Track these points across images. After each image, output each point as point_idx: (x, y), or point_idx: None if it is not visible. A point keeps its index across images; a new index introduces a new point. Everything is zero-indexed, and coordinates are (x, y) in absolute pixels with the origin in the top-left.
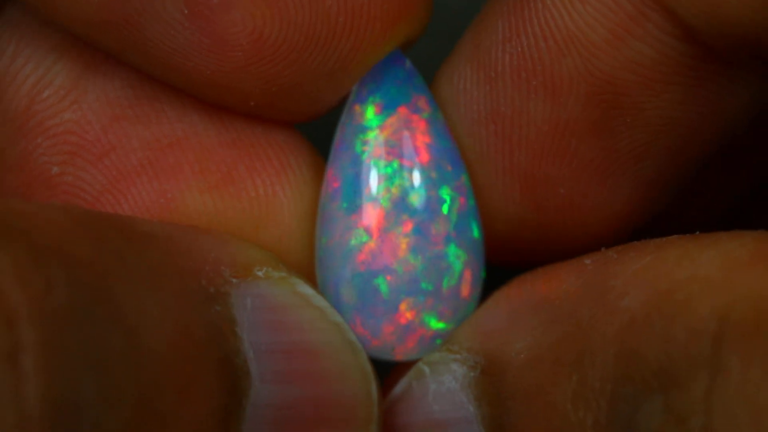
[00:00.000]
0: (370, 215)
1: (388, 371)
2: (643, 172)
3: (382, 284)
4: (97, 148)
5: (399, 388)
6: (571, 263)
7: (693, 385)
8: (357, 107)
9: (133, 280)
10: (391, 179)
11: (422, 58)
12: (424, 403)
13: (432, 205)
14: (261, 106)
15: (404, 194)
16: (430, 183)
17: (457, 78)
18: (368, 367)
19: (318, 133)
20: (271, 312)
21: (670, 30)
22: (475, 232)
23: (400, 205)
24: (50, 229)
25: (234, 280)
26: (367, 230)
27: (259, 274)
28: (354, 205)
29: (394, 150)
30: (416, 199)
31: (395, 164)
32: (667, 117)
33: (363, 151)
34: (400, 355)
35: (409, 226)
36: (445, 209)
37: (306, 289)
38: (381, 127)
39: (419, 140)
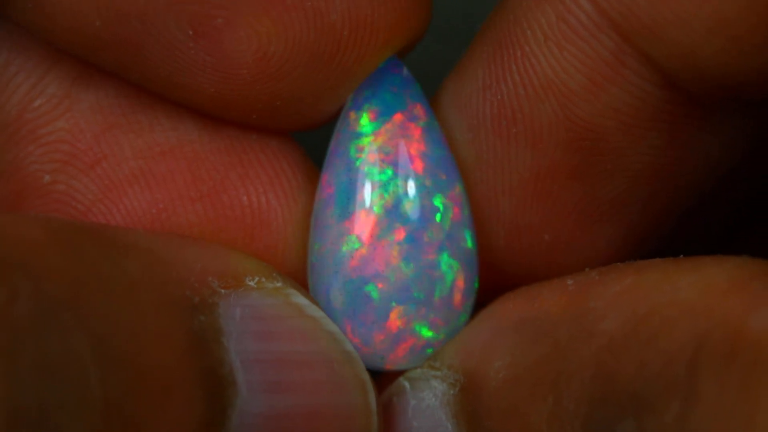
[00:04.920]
0: (363, 222)
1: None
2: (625, 217)
3: (373, 291)
4: (89, 157)
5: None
6: (553, 283)
7: (666, 410)
8: (352, 114)
9: (106, 290)
10: (385, 187)
11: (421, 60)
12: (404, 419)
13: (425, 213)
14: (262, 119)
15: (398, 202)
16: (424, 191)
17: (442, 120)
18: (366, 378)
19: (313, 140)
20: (260, 322)
21: (648, 76)
22: (469, 242)
23: (393, 213)
24: (20, 240)
25: (223, 291)
26: (360, 237)
27: (251, 284)
28: (347, 212)
29: (388, 157)
30: (410, 208)
31: (389, 172)
32: (646, 162)
33: (357, 158)
34: (390, 364)
35: (401, 234)
36: (438, 218)
37: (300, 300)
38: (376, 134)
39: (414, 148)
